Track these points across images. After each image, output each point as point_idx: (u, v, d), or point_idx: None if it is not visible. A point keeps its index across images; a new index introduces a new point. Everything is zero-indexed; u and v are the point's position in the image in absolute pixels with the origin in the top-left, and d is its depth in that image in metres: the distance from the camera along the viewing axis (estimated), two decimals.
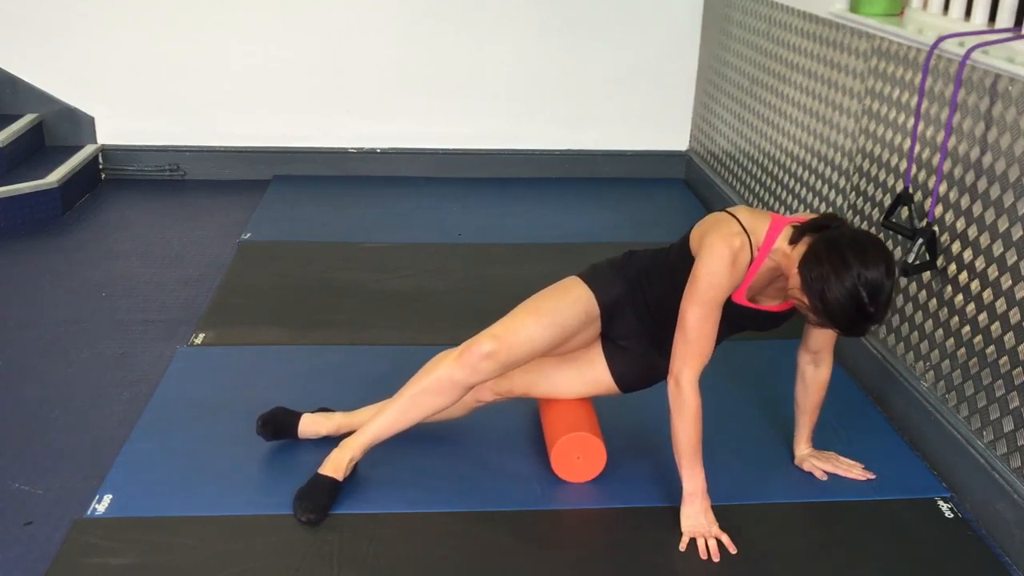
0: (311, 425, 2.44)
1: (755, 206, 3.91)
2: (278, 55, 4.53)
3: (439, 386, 2.24)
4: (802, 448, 2.44)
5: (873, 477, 2.37)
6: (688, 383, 2.12)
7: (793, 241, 2.10)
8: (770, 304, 2.24)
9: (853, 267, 1.96)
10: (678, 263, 2.24)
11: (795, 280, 2.06)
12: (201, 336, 3.04)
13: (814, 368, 2.35)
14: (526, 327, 2.24)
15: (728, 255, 2.09)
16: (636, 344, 2.33)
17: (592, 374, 2.37)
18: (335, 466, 2.25)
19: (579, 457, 2.34)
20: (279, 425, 2.43)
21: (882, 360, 2.77)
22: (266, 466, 2.38)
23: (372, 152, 4.75)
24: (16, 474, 2.35)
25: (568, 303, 2.29)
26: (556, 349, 2.31)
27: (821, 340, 2.30)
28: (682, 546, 2.12)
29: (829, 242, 2.01)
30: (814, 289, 1.99)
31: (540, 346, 2.25)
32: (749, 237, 2.11)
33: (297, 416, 2.45)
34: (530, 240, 3.99)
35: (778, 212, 3.65)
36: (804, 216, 2.21)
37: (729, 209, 2.20)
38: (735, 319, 2.21)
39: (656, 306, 2.29)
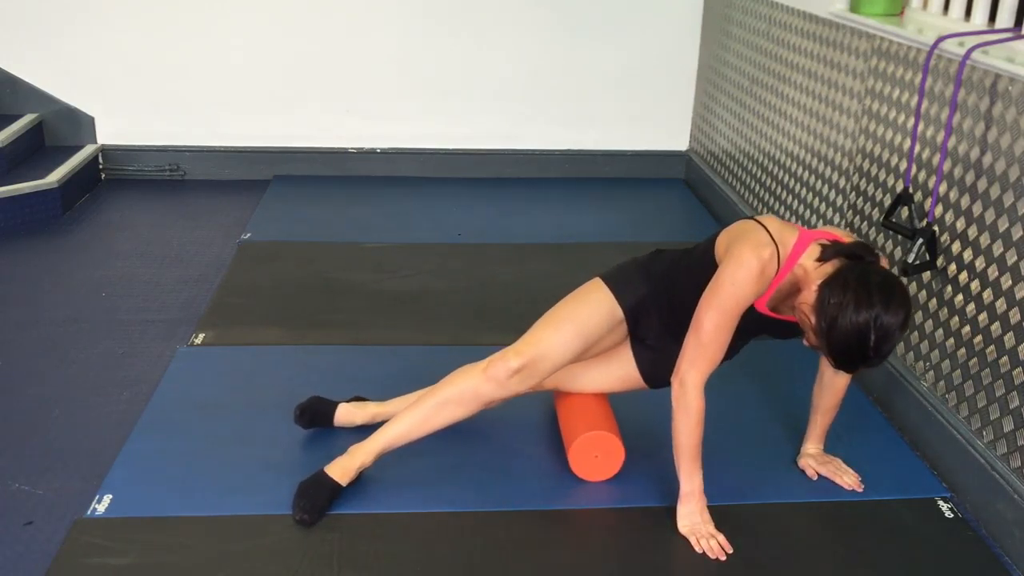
0: (347, 415, 2.49)
1: (755, 206, 3.91)
2: (278, 55, 4.53)
3: (462, 398, 2.25)
4: (810, 447, 2.44)
5: (860, 489, 2.35)
6: (694, 386, 2.11)
7: (822, 259, 2.07)
8: (791, 314, 2.21)
9: (875, 307, 1.93)
10: (700, 266, 2.23)
11: (809, 296, 2.05)
12: (201, 336, 3.04)
13: (832, 373, 2.34)
14: (550, 341, 2.24)
15: (757, 266, 2.06)
16: (661, 342, 2.32)
17: (621, 371, 2.38)
18: (342, 471, 2.24)
19: (597, 456, 2.34)
20: (315, 414, 2.47)
21: None
22: (266, 466, 2.38)
23: (372, 152, 4.75)
24: (16, 474, 2.35)
25: (590, 311, 2.29)
26: (583, 356, 2.32)
27: None
28: (697, 549, 2.12)
29: (861, 274, 1.98)
30: (828, 313, 1.97)
31: (566, 358, 2.27)
32: (778, 249, 2.09)
33: (334, 405, 2.49)
34: (530, 240, 3.99)
35: (779, 213, 3.65)
36: (830, 232, 2.18)
37: (758, 218, 2.18)
38: (755, 326, 2.21)
39: (679, 307, 2.27)
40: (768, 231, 2.11)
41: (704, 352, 2.11)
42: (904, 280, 2.67)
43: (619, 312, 2.30)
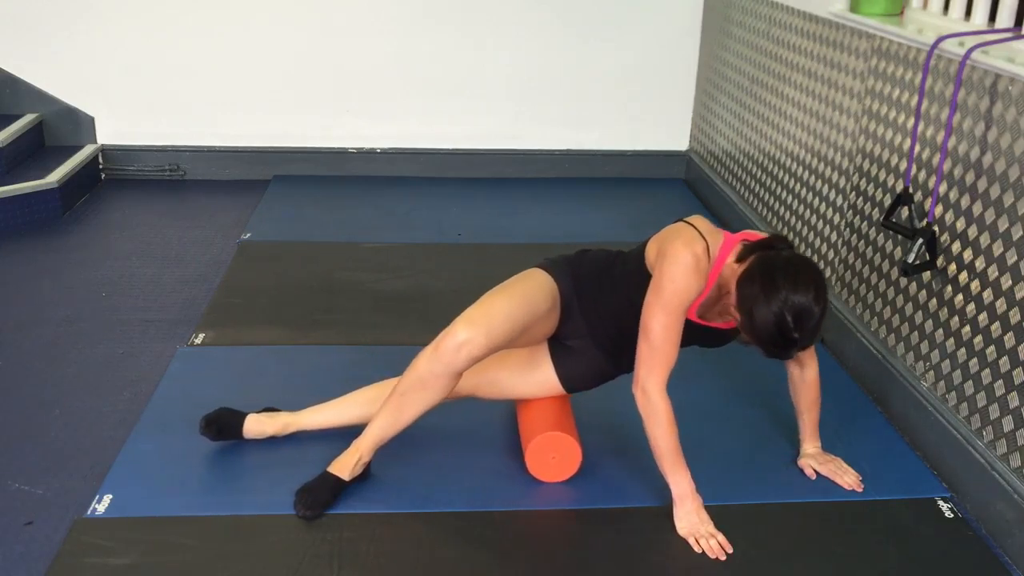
0: (256, 425, 2.44)
1: (755, 206, 3.91)
2: (278, 55, 4.53)
3: (424, 382, 2.20)
4: (807, 447, 2.44)
5: (860, 489, 2.35)
6: (656, 391, 2.12)
7: (740, 259, 2.12)
8: (718, 322, 2.25)
9: (781, 290, 1.98)
10: (632, 273, 2.25)
11: (734, 297, 2.09)
12: (201, 336, 3.04)
13: (800, 370, 2.36)
14: (499, 307, 2.20)
15: (692, 260, 2.10)
16: (582, 344, 2.33)
17: (538, 375, 2.37)
18: (341, 466, 2.25)
19: (553, 456, 2.33)
20: (223, 425, 2.42)
21: (882, 360, 2.77)
22: (266, 466, 2.38)
23: (372, 152, 4.75)
24: (16, 474, 2.36)
25: (535, 285, 2.29)
26: (524, 334, 2.26)
27: None
28: (697, 549, 2.12)
29: (764, 263, 2.04)
30: (745, 307, 2.02)
31: (515, 324, 2.20)
32: (708, 245, 2.13)
33: (242, 416, 2.44)
34: (530, 240, 3.99)
35: (779, 212, 3.65)
36: (751, 233, 2.23)
37: (686, 219, 2.21)
38: (686, 336, 2.20)
39: (605, 310, 2.30)
40: (697, 228, 2.15)
41: (657, 355, 2.12)
42: (905, 275, 2.67)
43: (558, 294, 2.30)
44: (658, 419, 2.13)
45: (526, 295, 2.25)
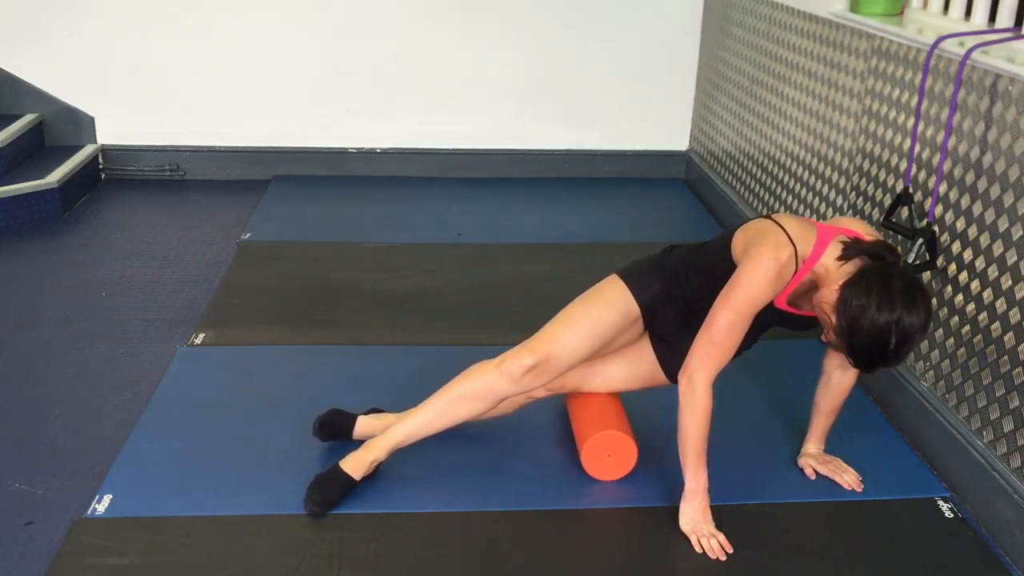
0: (366, 427, 2.45)
1: (755, 206, 3.91)
2: (278, 55, 4.53)
3: (477, 393, 2.25)
4: (810, 447, 2.44)
5: (860, 489, 2.35)
6: (702, 383, 2.11)
7: (843, 259, 2.07)
8: (810, 309, 2.21)
9: (897, 310, 1.95)
10: (715, 265, 2.23)
11: (830, 295, 2.05)
12: (201, 336, 3.04)
13: (841, 372, 2.34)
14: (564, 339, 2.25)
15: (775, 268, 2.07)
16: (680, 338, 2.31)
17: (642, 368, 2.38)
18: (356, 464, 2.25)
19: (610, 455, 2.34)
20: (335, 427, 2.44)
21: None
22: (266, 466, 2.38)
23: (372, 152, 4.75)
24: (16, 474, 2.36)
25: (606, 308, 2.29)
26: (600, 352, 2.32)
27: None
28: (698, 548, 2.12)
29: (884, 276, 1.99)
30: (849, 314, 1.98)
31: (581, 355, 2.27)
32: (796, 248, 2.09)
33: (353, 418, 2.46)
34: (530, 240, 3.99)
35: (779, 212, 3.65)
36: (847, 227, 2.17)
37: (775, 217, 2.17)
38: (772, 321, 2.22)
39: (695, 304, 2.28)
40: (786, 231, 2.11)
41: (715, 350, 2.11)
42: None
43: (635, 309, 2.30)
44: (696, 410, 2.12)
45: (594, 324, 2.27)
